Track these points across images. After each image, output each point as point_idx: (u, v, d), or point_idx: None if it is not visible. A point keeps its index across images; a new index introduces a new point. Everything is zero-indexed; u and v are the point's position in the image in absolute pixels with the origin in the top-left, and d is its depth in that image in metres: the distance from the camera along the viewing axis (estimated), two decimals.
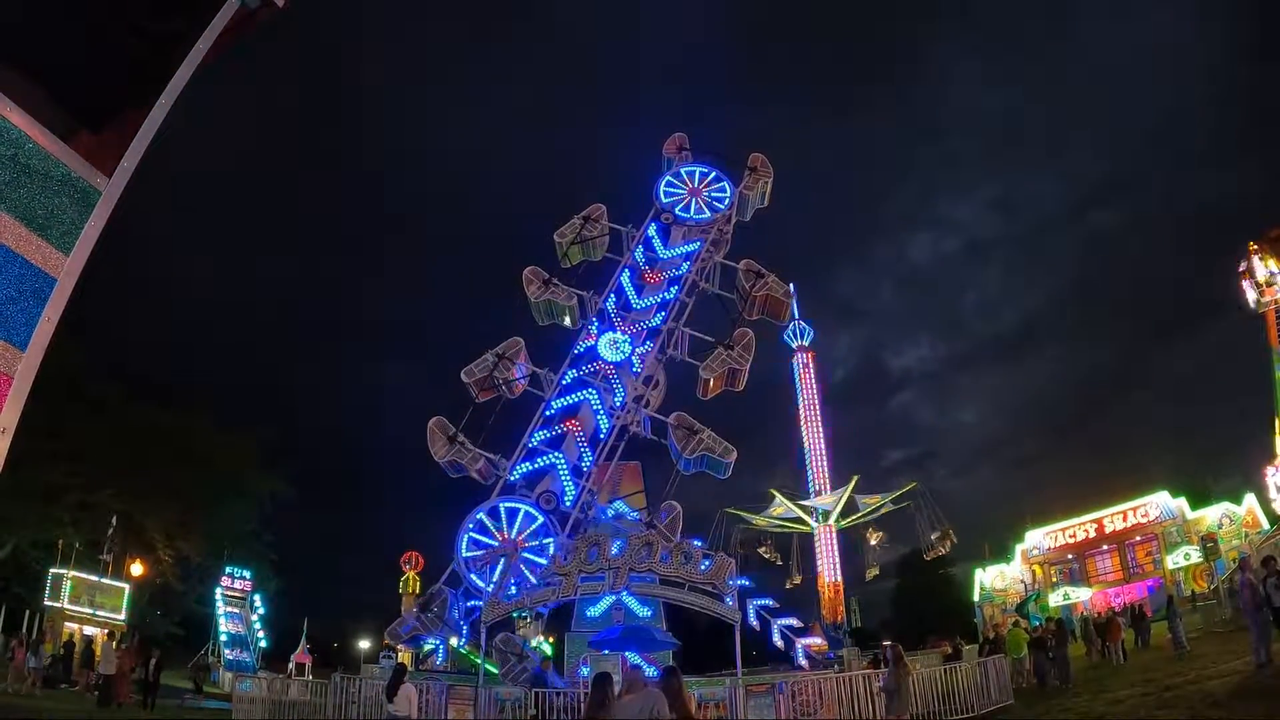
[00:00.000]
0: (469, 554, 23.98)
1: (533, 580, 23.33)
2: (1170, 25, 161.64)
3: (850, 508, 60.40)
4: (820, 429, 65.70)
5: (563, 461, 25.68)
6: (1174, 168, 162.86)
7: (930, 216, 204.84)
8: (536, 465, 25.86)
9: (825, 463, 64.63)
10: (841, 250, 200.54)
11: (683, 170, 30.62)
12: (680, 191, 30.09)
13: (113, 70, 3.62)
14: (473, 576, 23.79)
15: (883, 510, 59.40)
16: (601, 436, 26.04)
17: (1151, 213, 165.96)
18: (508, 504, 24.52)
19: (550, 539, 23.92)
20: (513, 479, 25.57)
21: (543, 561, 23.56)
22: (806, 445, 65.57)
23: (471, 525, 24.40)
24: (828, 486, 63.48)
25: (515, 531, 24.08)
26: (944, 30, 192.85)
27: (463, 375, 26.62)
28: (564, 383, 26.77)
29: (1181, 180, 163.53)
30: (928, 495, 58.03)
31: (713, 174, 30.57)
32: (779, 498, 61.87)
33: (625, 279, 28.65)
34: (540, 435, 26.07)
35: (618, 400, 26.25)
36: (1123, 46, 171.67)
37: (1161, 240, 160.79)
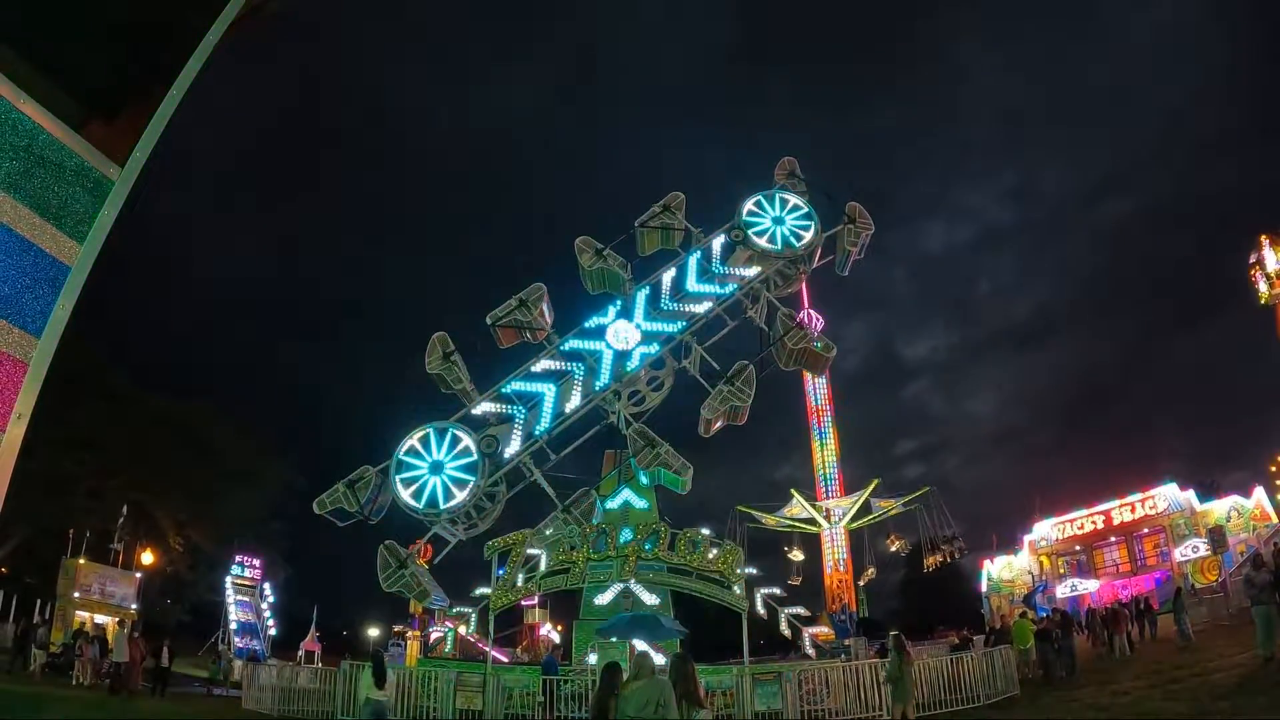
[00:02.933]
0: (403, 457, 24.18)
1: (443, 498, 23.71)
2: (1191, 11, 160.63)
3: (864, 507, 60.77)
4: (830, 421, 65.75)
5: (523, 418, 25.73)
6: (1190, 156, 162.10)
7: (943, 205, 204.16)
8: (500, 410, 25.93)
9: (834, 455, 64.74)
10: None
11: (778, 195, 29.94)
12: (762, 216, 29.49)
13: (124, 61, 3.66)
14: (397, 480, 23.97)
15: (892, 513, 59.68)
16: (567, 411, 26.02)
17: (1166, 202, 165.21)
18: (457, 430, 24.66)
19: (472, 477, 24.04)
20: (476, 412, 25.69)
21: (457, 494, 23.80)
22: (815, 437, 65.69)
23: (419, 435, 24.55)
24: (836, 479, 63.66)
25: (448, 456, 24.20)
26: (959, 19, 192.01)
27: (488, 319, 26.68)
28: (561, 348, 26.76)
29: (1197, 169, 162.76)
30: (937, 497, 58.32)
31: (804, 211, 29.79)
32: (797, 497, 62.13)
33: (667, 277, 28.43)
34: (517, 384, 26.11)
35: (597, 384, 26.20)
36: (1141, 33, 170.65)
37: (1175, 230, 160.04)
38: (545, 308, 27.41)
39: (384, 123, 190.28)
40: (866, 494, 61.23)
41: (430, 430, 24.79)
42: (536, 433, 25.56)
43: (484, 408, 25.86)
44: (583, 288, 28.94)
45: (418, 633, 35.87)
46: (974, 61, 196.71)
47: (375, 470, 24.53)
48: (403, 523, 25.43)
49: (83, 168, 3.18)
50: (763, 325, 28.40)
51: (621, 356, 26.88)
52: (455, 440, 24.66)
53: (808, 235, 28.93)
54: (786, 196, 29.80)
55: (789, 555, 60.68)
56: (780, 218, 29.15)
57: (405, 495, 23.99)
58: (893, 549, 61.14)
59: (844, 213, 29.54)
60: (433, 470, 24.17)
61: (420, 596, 23.65)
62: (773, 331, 27.73)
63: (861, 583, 62.23)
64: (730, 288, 28.22)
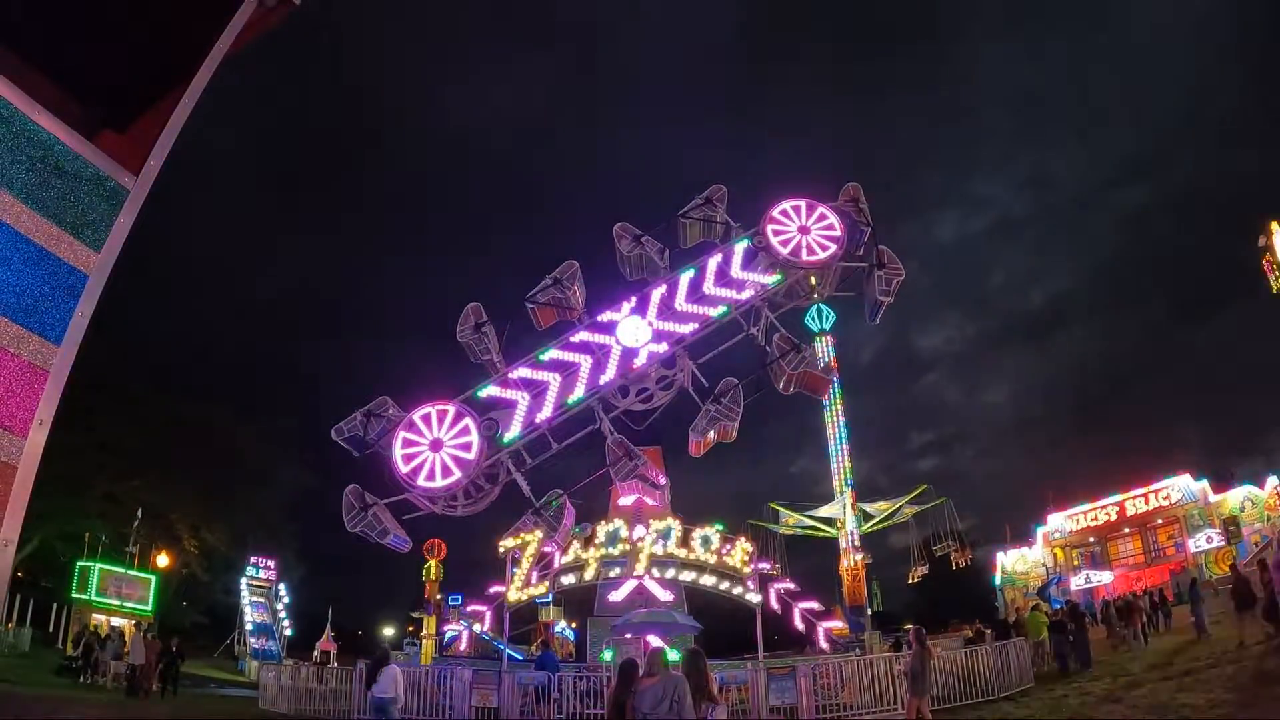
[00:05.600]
0: (405, 433, 24.43)
1: (440, 475, 23.87)
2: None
3: (864, 511, 60.55)
4: (841, 417, 65.48)
5: (526, 404, 25.83)
6: (1207, 146, 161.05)
7: (958, 194, 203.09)
8: (504, 395, 26.02)
9: (845, 452, 64.49)
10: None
11: (805, 205, 29.81)
12: (788, 224, 29.39)
13: (137, 71, 3.71)
14: (397, 451, 24.22)
15: (901, 515, 59.42)
16: (570, 402, 26.07)
17: (1182, 191, 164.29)
18: (461, 410, 24.83)
19: (469, 456, 24.23)
20: (479, 395, 25.86)
21: (454, 472, 23.93)
22: (827, 434, 65.46)
23: (422, 412, 24.73)
24: (848, 475, 63.44)
25: (449, 435, 24.34)
26: (976, 6, 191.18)
27: (526, 300, 26.85)
28: (571, 340, 26.80)
29: (1214, 159, 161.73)
30: (951, 509, 58.02)
31: (830, 220, 29.58)
32: (783, 511, 61.90)
33: (685, 278, 28.39)
34: (523, 371, 26.20)
35: (603, 379, 26.23)
36: (1158, 21, 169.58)
37: (1192, 219, 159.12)
38: (578, 286, 27.54)
39: (384, 122, 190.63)
40: (892, 509, 60.72)
41: (433, 409, 24.96)
42: (538, 420, 25.64)
43: (489, 391, 26.00)
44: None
45: (432, 618, 35.95)
46: (986, 50, 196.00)
47: (394, 404, 24.90)
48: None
49: (98, 177, 3.23)
50: (764, 344, 28.14)
51: (630, 353, 26.91)
52: (458, 419, 24.81)
53: (831, 248, 28.77)
54: (817, 207, 29.71)
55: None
56: (806, 226, 29.08)
57: (403, 468, 24.21)
58: (913, 581, 60.87)
59: (873, 258, 29.06)
60: (432, 447, 24.33)
61: (381, 535, 23.95)
62: (770, 353, 27.43)
63: (912, 580, 62.03)
64: (748, 294, 28.20)
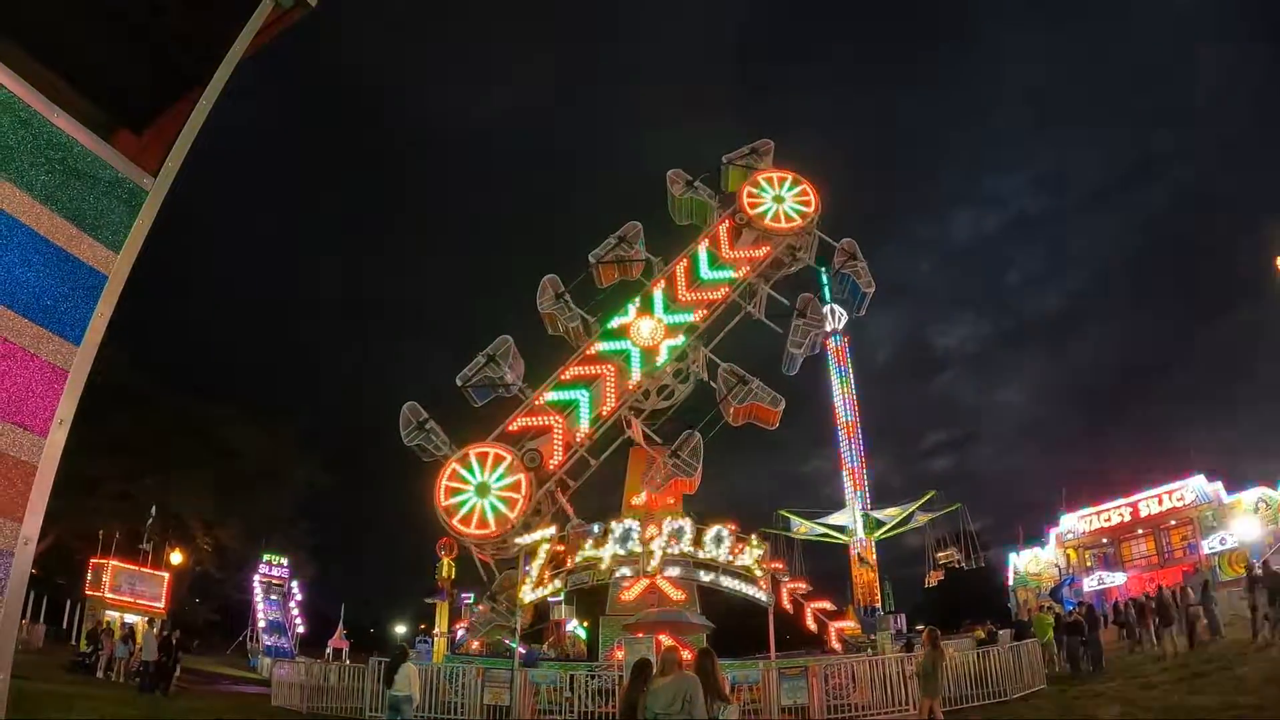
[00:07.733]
0: (447, 482, 24.50)
1: (493, 521, 23.91)
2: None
3: (875, 519, 60.72)
4: (855, 417, 65.09)
5: (559, 428, 25.83)
6: (1222, 143, 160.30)
7: (974, 194, 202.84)
8: (536, 422, 26.07)
9: (860, 452, 64.21)
10: (883, 228, 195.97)
11: (776, 175, 29.97)
12: (764, 195, 29.54)
13: (154, 72, 3.73)
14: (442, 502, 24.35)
15: (915, 520, 59.47)
16: (605, 415, 26.08)
17: (1195, 192, 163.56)
18: (497, 450, 24.83)
19: (518, 497, 24.26)
20: (513, 429, 25.95)
21: (507, 515, 23.95)
22: (841, 435, 65.13)
23: (463, 456, 24.73)
24: (862, 475, 63.23)
25: (494, 477, 24.37)
26: (991, 5, 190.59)
27: (590, 257, 27.20)
28: (588, 353, 26.81)
29: (1229, 156, 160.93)
30: (965, 514, 58.45)
31: (789, 178, 29.81)
32: (794, 519, 61.97)
33: (680, 270, 28.49)
34: (551, 395, 26.23)
35: (630, 382, 26.23)
36: (1174, 18, 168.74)
37: (1208, 217, 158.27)
38: (640, 245, 27.87)
39: (389, 121, 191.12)
40: (902, 516, 60.87)
41: (474, 451, 24.99)
42: (577, 437, 25.76)
43: (521, 422, 26.07)
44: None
45: (445, 604, 35.97)
46: (1000, 49, 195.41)
47: (514, 345, 25.20)
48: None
49: (117, 179, 3.24)
50: (708, 380, 27.99)
51: (649, 353, 26.94)
52: (499, 461, 24.81)
53: (808, 210, 29.15)
54: (785, 175, 30.05)
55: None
56: (780, 195, 29.36)
57: (453, 520, 24.16)
58: (942, 561, 61.25)
59: (794, 306, 28.93)
60: (478, 492, 24.29)
61: (436, 449, 24.24)
62: (718, 389, 27.28)
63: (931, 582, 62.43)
64: (743, 270, 28.40)
